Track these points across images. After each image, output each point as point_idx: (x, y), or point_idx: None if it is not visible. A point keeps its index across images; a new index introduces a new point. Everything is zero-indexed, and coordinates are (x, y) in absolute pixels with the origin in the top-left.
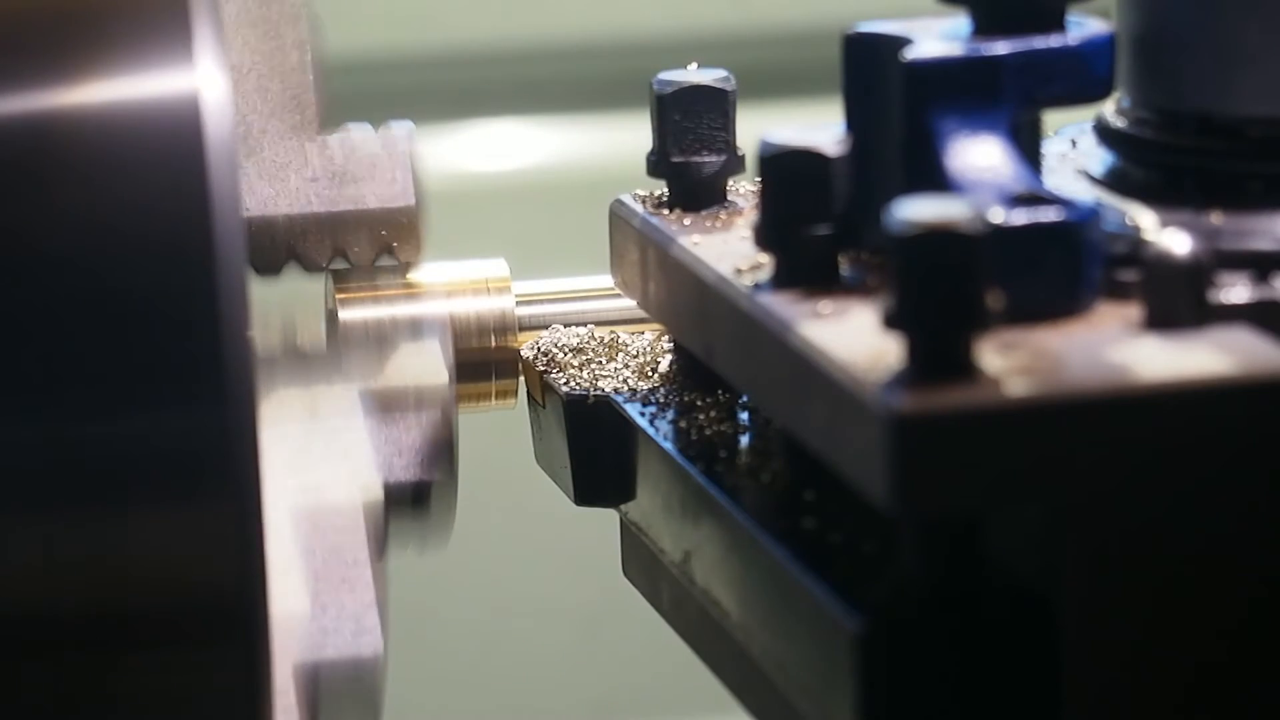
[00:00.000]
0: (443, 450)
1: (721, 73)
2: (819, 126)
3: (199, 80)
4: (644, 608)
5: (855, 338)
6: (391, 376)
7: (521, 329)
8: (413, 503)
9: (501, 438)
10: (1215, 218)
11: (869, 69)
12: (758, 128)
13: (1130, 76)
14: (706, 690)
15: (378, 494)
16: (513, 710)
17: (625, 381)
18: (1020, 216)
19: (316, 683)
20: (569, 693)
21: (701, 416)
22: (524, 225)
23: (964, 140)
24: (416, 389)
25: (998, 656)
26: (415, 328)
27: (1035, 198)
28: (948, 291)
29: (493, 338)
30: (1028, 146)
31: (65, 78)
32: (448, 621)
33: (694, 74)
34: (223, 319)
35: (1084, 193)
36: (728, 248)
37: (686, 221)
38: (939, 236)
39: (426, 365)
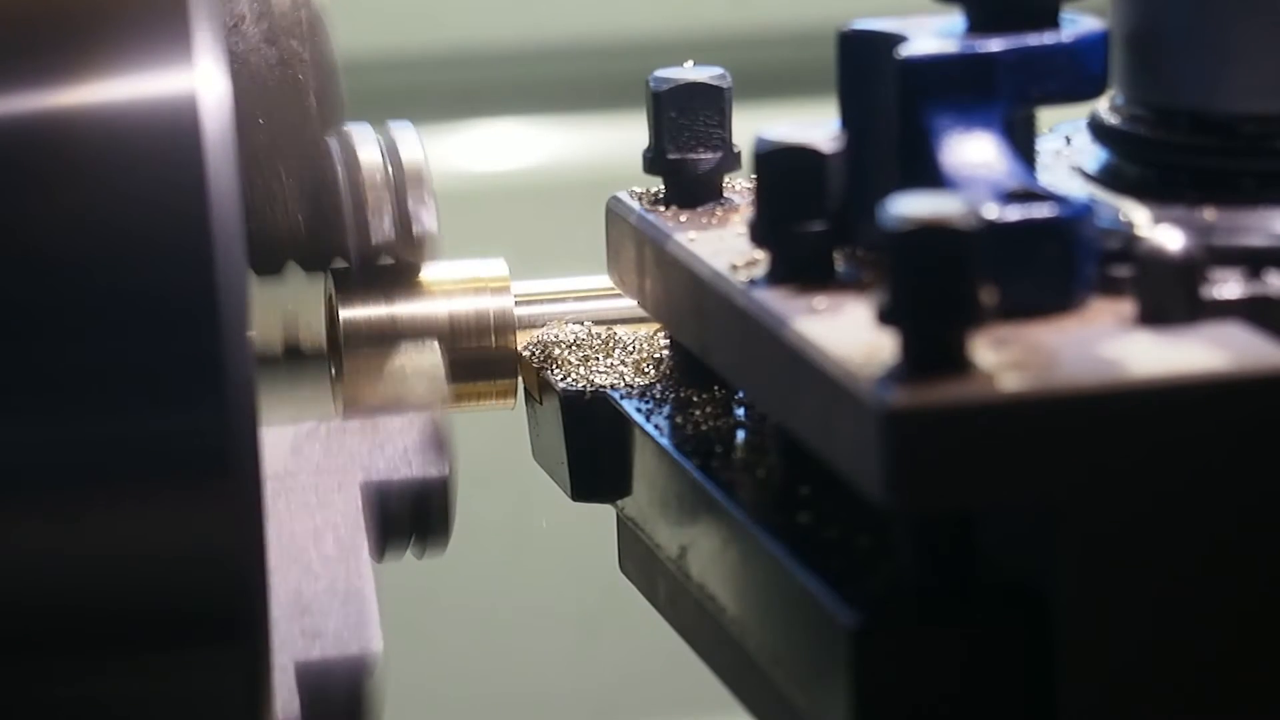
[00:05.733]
0: (441, 449)
1: (717, 70)
2: (814, 124)
3: (199, 80)
4: (643, 606)
5: (850, 333)
6: (391, 376)
7: (521, 329)
8: (412, 502)
9: (499, 436)
10: (1208, 214)
11: (864, 66)
12: (757, 128)
13: (1124, 74)
14: (706, 690)
15: (377, 493)
16: (512, 710)
17: (622, 377)
18: (1014, 213)
19: (315, 683)
20: (569, 693)
21: (697, 412)
22: (524, 225)
23: (958, 137)
24: (416, 389)
25: (991, 651)
26: (415, 328)
27: (1029, 194)
28: (942, 287)
29: (492, 338)
30: (1022, 143)
31: (65, 77)
32: (447, 620)
33: (690, 71)
34: (223, 319)
35: (1078, 189)
36: (723, 244)
37: (683, 218)
38: (933, 232)
39: (426, 365)
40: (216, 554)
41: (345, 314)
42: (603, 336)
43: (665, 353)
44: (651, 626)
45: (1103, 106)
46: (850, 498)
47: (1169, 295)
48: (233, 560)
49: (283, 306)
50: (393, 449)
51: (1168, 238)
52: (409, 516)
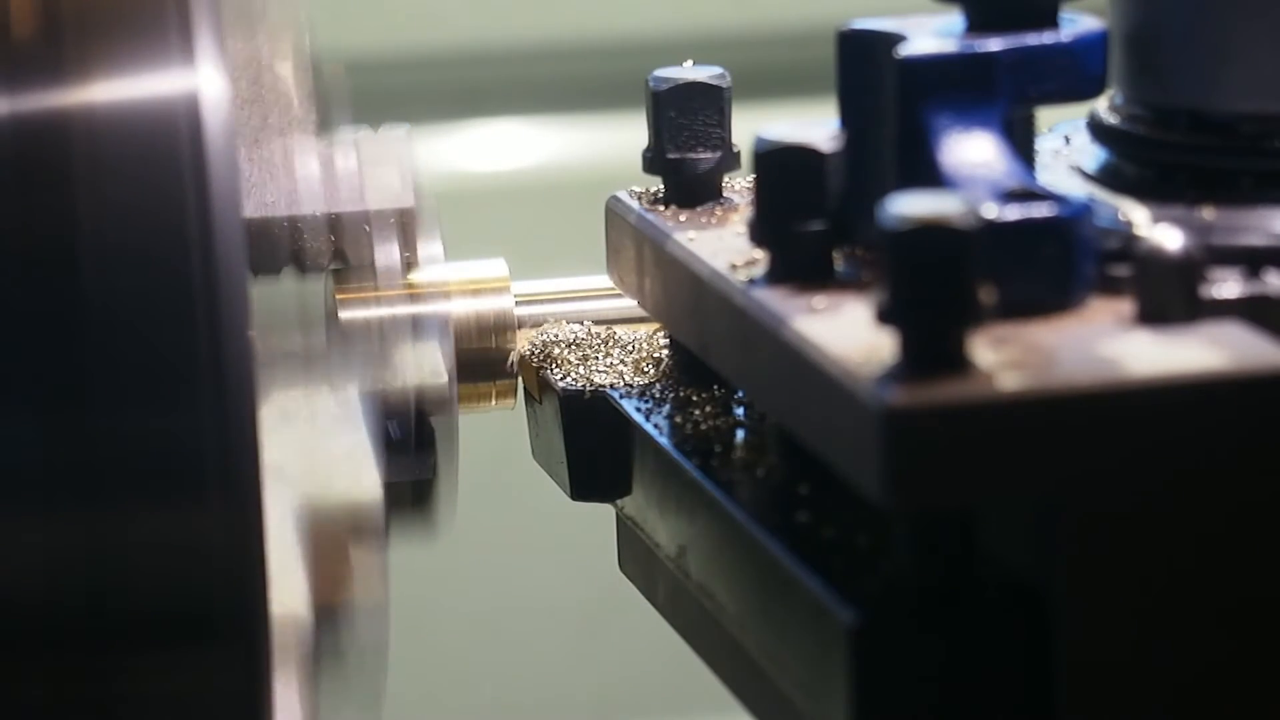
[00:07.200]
0: (442, 449)
1: (717, 70)
2: (814, 123)
3: (199, 80)
4: (643, 606)
5: (849, 332)
6: (391, 376)
7: (521, 329)
8: (413, 502)
9: (499, 436)
10: (1207, 213)
11: (863, 65)
12: (757, 128)
13: (1123, 73)
14: (706, 690)
15: (378, 494)
16: (512, 710)
17: (621, 377)
18: (1013, 212)
19: (317, 680)
20: (569, 693)
21: (697, 411)
22: (524, 225)
23: (957, 136)
24: (417, 389)
25: (990, 650)
26: (415, 328)
27: (1028, 193)
28: (941, 286)
29: (492, 338)
30: (1021, 143)
31: (65, 77)
32: (447, 620)
33: (689, 71)
34: (223, 319)
35: (1077, 189)
36: (723, 243)
37: (682, 218)
38: (932, 232)
39: (426, 365)
40: (216, 554)
41: (345, 314)
42: (602, 336)
43: (665, 352)
44: (651, 626)
45: (1102, 106)
46: (849, 496)
47: (1168, 295)
48: (233, 560)
49: (284, 306)
50: (394, 447)
51: (1167, 237)
52: (409, 514)
